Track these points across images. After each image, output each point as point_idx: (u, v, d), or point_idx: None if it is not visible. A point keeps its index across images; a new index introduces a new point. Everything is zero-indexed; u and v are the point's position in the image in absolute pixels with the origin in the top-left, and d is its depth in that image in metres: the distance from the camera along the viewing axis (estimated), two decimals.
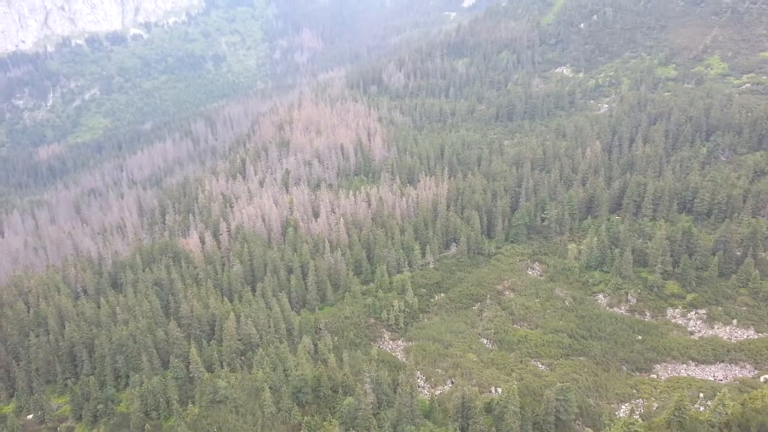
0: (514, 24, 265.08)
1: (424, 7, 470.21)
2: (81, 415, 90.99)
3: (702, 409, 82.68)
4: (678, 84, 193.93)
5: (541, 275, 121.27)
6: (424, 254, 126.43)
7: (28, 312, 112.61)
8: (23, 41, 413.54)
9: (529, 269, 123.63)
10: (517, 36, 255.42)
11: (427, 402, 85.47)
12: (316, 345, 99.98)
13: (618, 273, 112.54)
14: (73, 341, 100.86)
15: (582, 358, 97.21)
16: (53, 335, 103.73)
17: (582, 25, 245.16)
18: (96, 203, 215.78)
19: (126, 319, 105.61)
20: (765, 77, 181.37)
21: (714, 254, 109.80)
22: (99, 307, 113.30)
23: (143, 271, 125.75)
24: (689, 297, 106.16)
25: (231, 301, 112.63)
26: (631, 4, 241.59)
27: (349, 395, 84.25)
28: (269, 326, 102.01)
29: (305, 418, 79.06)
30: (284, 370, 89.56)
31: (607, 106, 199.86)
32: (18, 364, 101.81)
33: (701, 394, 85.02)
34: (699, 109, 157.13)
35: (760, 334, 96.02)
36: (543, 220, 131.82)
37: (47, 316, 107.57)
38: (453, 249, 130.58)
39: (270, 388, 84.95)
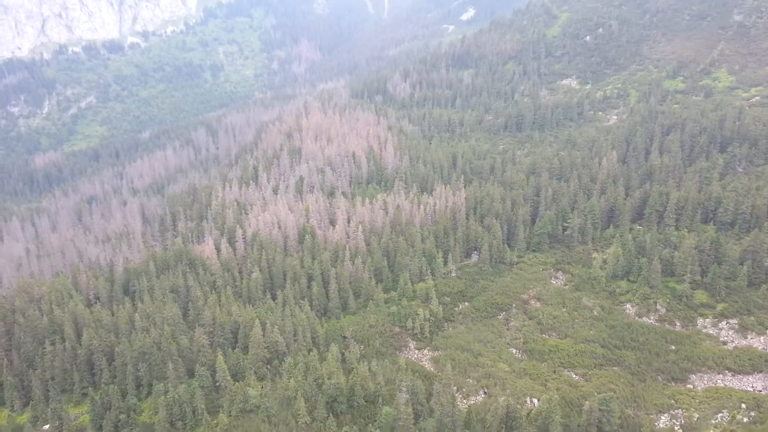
0: (520, 36, 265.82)
1: (423, 20, 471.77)
2: (101, 425, 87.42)
3: (746, 420, 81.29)
4: (687, 96, 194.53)
5: (565, 285, 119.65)
6: (446, 262, 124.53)
7: (42, 319, 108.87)
8: (19, 48, 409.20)
9: (552, 278, 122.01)
10: (523, 48, 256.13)
11: (464, 412, 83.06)
12: (343, 354, 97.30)
13: (646, 282, 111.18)
14: (92, 349, 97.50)
15: (616, 368, 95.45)
16: (69, 343, 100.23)
17: (588, 37, 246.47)
18: (97, 211, 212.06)
19: (146, 326, 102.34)
20: None
21: (742, 264, 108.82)
22: (113, 314, 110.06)
23: (157, 278, 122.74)
24: (719, 307, 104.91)
25: (253, 308, 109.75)
26: (637, 17, 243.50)
27: (386, 405, 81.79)
28: (295, 334, 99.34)
29: (343, 428, 76.41)
30: (315, 379, 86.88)
31: (616, 117, 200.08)
32: (33, 373, 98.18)
33: (743, 405, 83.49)
34: (712, 120, 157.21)
35: None
36: (565, 229, 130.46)
37: (63, 323, 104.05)
38: (474, 258, 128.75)
39: (302, 397, 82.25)
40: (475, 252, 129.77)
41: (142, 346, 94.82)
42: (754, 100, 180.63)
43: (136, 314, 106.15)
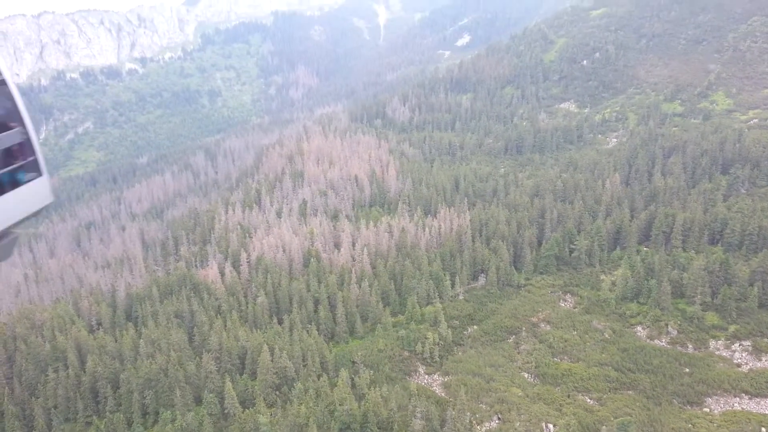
0: (517, 60, 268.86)
1: (419, 46, 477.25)
2: None
3: None
4: (685, 119, 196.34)
5: (574, 307, 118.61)
6: (453, 285, 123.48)
7: (44, 346, 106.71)
8: (17, 74, 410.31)
9: (561, 301, 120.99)
10: (520, 72, 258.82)
11: None
12: (352, 379, 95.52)
13: (656, 304, 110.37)
14: (96, 376, 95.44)
15: (630, 392, 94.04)
16: (73, 370, 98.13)
17: (585, 62, 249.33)
18: (96, 236, 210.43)
19: (151, 352, 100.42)
20: None
21: (752, 285, 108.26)
22: (116, 341, 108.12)
23: (161, 303, 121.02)
24: (731, 328, 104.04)
25: (261, 333, 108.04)
26: (633, 42, 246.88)
27: None
28: (304, 359, 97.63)
29: None
30: (326, 405, 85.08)
31: (616, 140, 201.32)
32: (35, 401, 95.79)
33: (763, 429, 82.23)
34: (713, 143, 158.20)
35: None
36: (572, 251, 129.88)
37: (66, 349, 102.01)
38: (481, 280, 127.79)
39: (315, 424, 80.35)
40: (482, 274, 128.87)
41: (148, 373, 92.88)
42: (752, 122, 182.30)
43: (141, 340, 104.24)
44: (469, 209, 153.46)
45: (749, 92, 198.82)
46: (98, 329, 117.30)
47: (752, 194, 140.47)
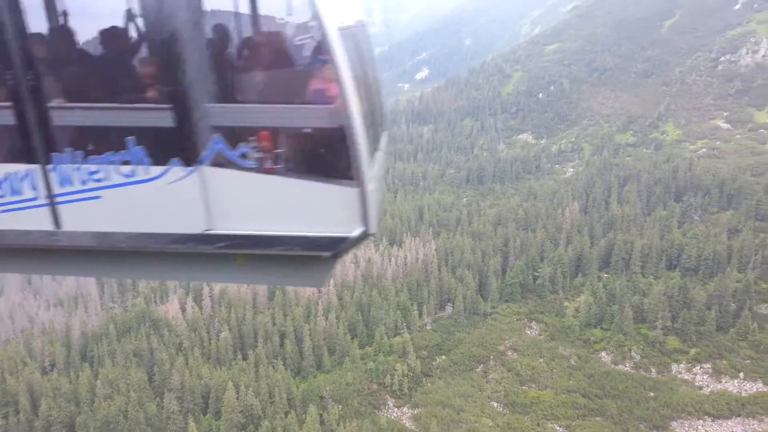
0: (476, 93, 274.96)
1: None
2: None
3: None
4: (638, 149, 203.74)
5: (540, 334, 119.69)
6: (420, 315, 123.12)
7: None
8: None
9: (527, 328, 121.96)
10: (479, 104, 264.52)
11: None
12: (321, 415, 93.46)
13: (619, 330, 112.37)
14: (51, 420, 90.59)
15: (598, 418, 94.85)
16: (24, 415, 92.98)
17: (540, 95, 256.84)
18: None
19: (108, 393, 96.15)
20: (719, 143, 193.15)
21: (709, 308, 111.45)
22: (71, 382, 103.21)
23: (119, 341, 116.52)
24: (692, 351, 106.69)
25: (226, 370, 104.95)
26: (586, 75, 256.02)
27: None
28: (271, 396, 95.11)
29: None
30: None
31: (572, 169, 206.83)
32: None
33: None
34: (665, 171, 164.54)
35: None
36: (536, 279, 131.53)
37: (17, 393, 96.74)
38: (448, 309, 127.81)
39: None
40: (449, 303, 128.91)
41: (106, 415, 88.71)
42: (701, 152, 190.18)
43: (98, 381, 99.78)
44: (434, 239, 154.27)
45: (696, 123, 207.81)
46: (52, 370, 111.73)
47: (705, 221, 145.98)
